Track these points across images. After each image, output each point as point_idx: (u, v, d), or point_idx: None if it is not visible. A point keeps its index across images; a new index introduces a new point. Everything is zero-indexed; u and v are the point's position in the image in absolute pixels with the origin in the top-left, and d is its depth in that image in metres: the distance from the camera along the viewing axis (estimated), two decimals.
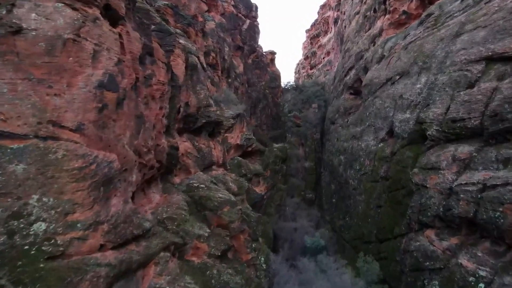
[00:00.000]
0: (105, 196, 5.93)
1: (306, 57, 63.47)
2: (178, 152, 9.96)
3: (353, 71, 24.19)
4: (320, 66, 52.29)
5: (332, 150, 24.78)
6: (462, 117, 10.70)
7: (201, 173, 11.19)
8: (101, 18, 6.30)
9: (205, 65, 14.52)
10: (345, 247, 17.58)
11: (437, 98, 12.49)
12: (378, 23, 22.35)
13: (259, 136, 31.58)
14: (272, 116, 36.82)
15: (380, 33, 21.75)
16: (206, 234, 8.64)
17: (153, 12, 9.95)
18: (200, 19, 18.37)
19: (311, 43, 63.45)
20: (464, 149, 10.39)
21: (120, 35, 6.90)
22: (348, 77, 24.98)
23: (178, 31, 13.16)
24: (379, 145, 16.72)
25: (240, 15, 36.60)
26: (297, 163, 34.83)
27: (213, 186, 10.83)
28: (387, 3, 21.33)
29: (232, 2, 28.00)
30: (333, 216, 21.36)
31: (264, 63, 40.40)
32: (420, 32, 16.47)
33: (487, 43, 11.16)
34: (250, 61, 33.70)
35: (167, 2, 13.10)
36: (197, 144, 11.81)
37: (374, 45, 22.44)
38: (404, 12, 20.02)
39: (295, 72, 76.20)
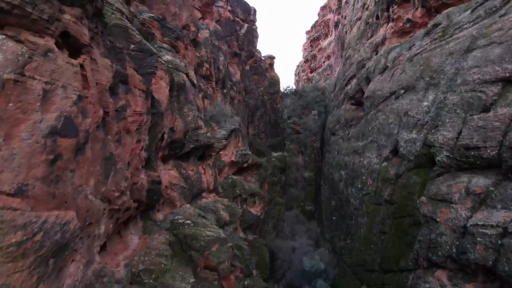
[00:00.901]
0: (56, 268, 4.90)
1: (306, 60, 62.39)
2: (160, 186, 8.92)
3: (355, 81, 23.13)
4: (320, 70, 51.24)
5: (332, 163, 23.72)
6: (477, 145, 9.64)
7: (188, 205, 10.15)
8: (56, 50, 5.25)
9: (195, 81, 13.48)
10: (346, 272, 16.53)
11: (447, 120, 11.43)
12: (381, 31, 21.28)
13: (257, 145, 30.57)
14: (270, 124, 35.75)
15: (383, 42, 20.69)
16: (189, 287, 7.58)
17: (132, 29, 8.91)
18: (193, 28, 17.31)
19: (311, 46, 62.37)
20: (479, 182, 9.33)
21: (82, 66, 5.86)
22: (349, 87, 23.93)
23: (165, 45, 12.13)
24: (383, 164, 15.66)
25: (237, 19, 35.53)
26: (296, 173, 33.78)
27: (201, 221, 9.79)
28: (390, 10, 20.26)
29: (229, 7, 26.96)
30: (333, 235, 20.31)
31: (262, 68, 39.31)
32: (427, 43, 15.41)
33: (503, 62, 10.10)
34: (248, 67, 32.65)
35: (153, 15, 12.05)
36: (184, 171, 10.77)
37: (376, 54, 21.38)
38: (409, 20, 18.96)
39: (295, 74, 75.17)
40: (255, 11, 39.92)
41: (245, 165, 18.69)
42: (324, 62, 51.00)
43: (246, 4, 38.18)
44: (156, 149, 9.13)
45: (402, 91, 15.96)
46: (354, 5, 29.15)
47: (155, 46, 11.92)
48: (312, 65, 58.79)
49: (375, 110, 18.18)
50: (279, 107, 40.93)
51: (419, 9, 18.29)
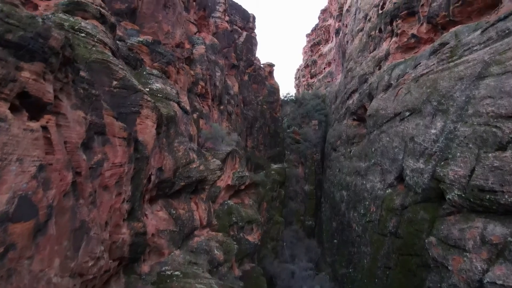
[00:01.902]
0: None
1: (306, 65, 61.58)
2: (145, 237, 8.10)
3: (357, 95, 22.32)
4: (320, 77, 50.44)
5: (333, 180, 22.90)
6: (493, 188, 8.82)
7: (178, 252, 9.33)
8: (10, 117, 4.43)
9: (188, 107, 12.67)
10: None
11: (458, 153, 10.61)
12: (384, 45, 20.47)
13: (256, 158, 29.76)
14: (270, 134, 34.95)
15: (386, 57, 19.87)
16: None
17: (115, 64, 8.09)
18: (187, 45, 16.51)
19: (312, 51, 61.57)
20: (496, 230, 8.51)
21: (46, 128, 5.04)
22: (351, 101, 23.11)
23: (155, 72, 11.31)
24: (387, 191, 14.85)
25: (236, 27, 34.80)
26: (296, 185, 32.98)
27: (191, 270, 8.97)
28: (394, 24, 19.45)
29: (227, 18, 26.16)
30: (334, 259, 19.48)
31: (261, 77, 38.55)
32: (434, 64, 14.59)
33: None
34: (246, 77, 31.86)
35: (141, 39, 11.24)
36: (174, 212, 9.95)
37: (379, 69, 20.57)
38: (413, 35, 18.14)
39: (295, 78, 74.36)
40: (254, 18, 39.17)
41: (242, 187, 17.88)
42: (324, 68, 50.19)
43: (245, 12, 37.44)
44: (142, 195, 8.31)
45: (407, 113, 15.15)
46: (355, 14, 28.34)
47: (144, 73, 11.13)
48: (312, 70, 57.97)
49: (378, 130, 17.37)
50: (279, 116, 40.13)
51: (425, 24, 17.46)
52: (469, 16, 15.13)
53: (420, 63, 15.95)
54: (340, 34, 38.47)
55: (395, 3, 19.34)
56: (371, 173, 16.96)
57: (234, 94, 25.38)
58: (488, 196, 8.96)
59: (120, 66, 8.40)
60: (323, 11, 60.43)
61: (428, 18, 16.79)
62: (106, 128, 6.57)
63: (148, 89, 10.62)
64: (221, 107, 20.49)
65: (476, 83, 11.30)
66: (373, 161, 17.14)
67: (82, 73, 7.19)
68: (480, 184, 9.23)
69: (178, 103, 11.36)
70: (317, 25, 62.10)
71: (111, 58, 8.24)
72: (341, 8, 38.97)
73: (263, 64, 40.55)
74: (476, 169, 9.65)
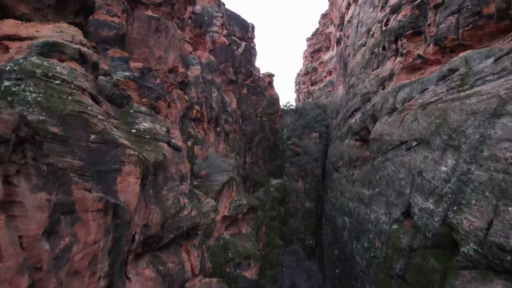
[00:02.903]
0: None
1: (306, 72, 60.73)
2: None
3: (359, 115, 21.44)
4: (321, 85, 49.62)
5: (334, 203, 22.01)
6: None
7: None
8: None
9: (180, 143, 11.80)
10: None
11: (473, 201, 9.73)
12: (388, 64, 19.60)
13: (255, 175, 28.89)
14: (269, 148, 34.11)
15: (390, 77, 19.00)
16: None
17: (93, 116, 7.22)
18: (181, 69, 15.64)
19: (312, 57, 60.75)
20: None
21: None
22: (353, 120, 22.24)
23: (143, 108, 10.44)
24: (393, 226, 13.97)
25: (235, 38, 34.06)
26: (296, 201, 32.09)
27: None
28: (398, 43, 18.58)
29: (225, 31, 25.30)
30: None
31: (261, 88, 37.77)
32: (443, 92, 13.70)
33: None
34: (245, 90, 31.03)
35: (128, 74, 10.35)
36: (162, 268, 9.06)
37: (383, 89, 19.71)
38: (420, 56, 17.27)
39: (295, 83, 73.58)
40: (253, 27, 38.42)
41: (240, 216, 16.99)
42: (325, 77, 49.36)
43: (244, 22, 36.68)
44: (123, 261, 7.43)
45: (414, 143, 14.27)
46: (357, 27, 27.48)
47: (131, 111, 10.26)
48: (312, 78, 57.14)
49: (383, 157, 16.48)
50: (278, 127, 39.33)
51: (431, 45, 16.59)
52: (479, 40, 14.25)
53: (427, 89, 15.06)
54: (341, 44, 37.63)
55: (399, 21, 18.48)
56: (375, 203, 16.07)
57: (232, 111, 24.54)
58: (509, 257, 8.07)
59: (99, 116, 7.52)
60: (324, 16, 59.61)
61: (435, 40, 15.92)
62: (76, 205, 5.69)
63: (134, 130, 9.77)
64: (218, 128, 19.63)
65: (492, 121, 10.41)
66: (377, 189, 16.26)
67: (54, 130, 6.34)
68: (500, 243, 8.34)
69: (168, 143, 10.49)
70: (317, 29, 61.28)
71: (89, 108, 7.36)
72: (342, 17, 38.13)
73: (262, 74, 39.77)
74: (494, 222, 8.76)
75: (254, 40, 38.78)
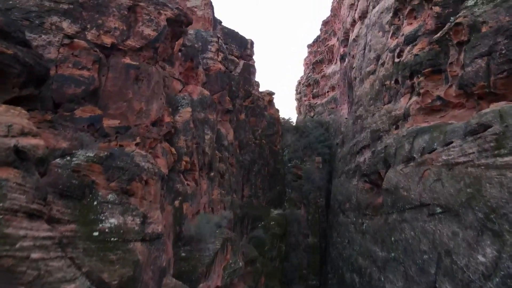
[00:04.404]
0: None
1: (308, 84, 58.63)
2: None
3: (369, 154, 19.39)
4: (324, 101, 47.61)
5: (341, 252, 19.94)
6: None
7: None
8: None
9: (160, 228, 9.70)
10: None
11: None
12: (402, 102, 17.53)
13: (254, 210, 26.81)
14: (269, 174, 32.07)
15: (405, 117, 16.92)
16: None
17: (21, 258, 5.15)
18: (167, 118, 13.55)
19: (313, 68, 58.67)
20: None
21: None
22: (361, 158, 20.18)
23: (111, 197, 8.38)
24: None
25: (232, 57, 32.09)
26: (298, 233, 29.91)
27: None
28: (414, 80, 16.50)
29: (221, 56, 23.26)
30: None
31: (260, 108, 35.77)
32: (473, 153, 11.57)
33: None
34: (243, 116, 28.96)
35: (92, 155, 8.25)
36: None
37: (396, 129, 17.62)
38: (439, 98, 15.17)
39: (296, 92, 71.47)
40: (252, 44, 36.44)
41: (236, 280, 14.92)
42: (328, 92, 47.32)
43: (243, 39, 34.68)
44: None
45: (438, 210, 12.20)
46: (364, 49, 25.46)
47: (95, 203, 8.19)
48: (314, 90, 55.03)
49: (399, 215, 14.41)
50: (279, 149, 37.31)
51: (454, 87, 14.51)
52: None
53: (452, 143, 12.94)
54: (346, 62, 35.61)
55: (416, 55, 16.40)
56: (390, 271, 14.00)
57: (228, 144, 22.52)
58: None
59: (33, 255, 5.45)
60: (325, 23, 57.61)
61: (460, 84, 13.83)
62: None
63: (97, 233, 7.69)
64: (211, 174, 17.57)
65: None
66: (393, 254, 14.18)
67: None
68: None
69: (143, 238, 8.43)
70: (318, 36, 59.30)
71: (17, 245, 5.30)
72: (346, 33, 36.10)
73: (262, 93, 37.75)
74: None
75: (253, 57, 36.84)
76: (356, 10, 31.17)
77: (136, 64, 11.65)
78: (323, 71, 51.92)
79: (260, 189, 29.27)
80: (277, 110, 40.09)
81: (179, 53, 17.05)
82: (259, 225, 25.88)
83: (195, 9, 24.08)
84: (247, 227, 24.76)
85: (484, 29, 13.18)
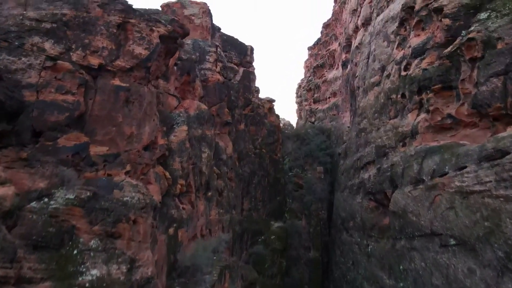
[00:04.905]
0: None
1: (309, 89, 57.77)
2: None
3: (374, 170, 18.52)
4: (325, 107, 46.74)
5: (345, 274, 19.10)
6: None
7: None
8: None
9: (150, 271, 8.84)
10: None
11: None
12: (410, 118, 16.66)
13: (253, 224, 25.93)
14: (269, 184, 31.18)
15: (413, 134, 16.05)
16: None
17: None
18: (161, 141, 12.69)
19: (314, 72, 57.80)
20: None
21: None
22: (366, 175, 19.31)
23: (93, 244, 7.51)
24: None
25: (232, 64, 31.25)
26: (299, 246, 29.04)
27: None
28: (423, 96, 15.64)
29: (219, 66, 22.40)
30: None
31: (260, 116, 34.88)
32: (491, 181, 10.70)
33: None
34: (242, 126, 28.10)
35: (72, 197, 7.38)
36: None
37: (403, 146, 16.74)
38: (450, 116, 14.32)
39: (297, 95, 70.66)
40: (252, 50, 35.60)
41: None
42: (329, 98, 46.45)
43: (242, 45, 33.81)
44: None
45: (452, 242, 11.34)
46: (368, 58, 24.58)
47: (75, 252, 7.33)
48: (315, 95, 54.17)
49: (407, 242, 13.55)
50: (279, 157, 36.45)
51: (466, 105, 13.64)
52: None
53: (466, 167, 12.06)
54: (348, 69, 34.77)
55: (424, 70, 15.53)
56: None
57: (227, 158, 21.69)
58: None
59: None
60: (326, 26, 56.70)
61: (474, 103, 12.98)
62: None
63: None
64: (209, 193, 16.71)
65: None
66: (401, 284, 13.32)
67: None
68: None
69: None
70: (319, 39, 58.44)
71: None
72: (349, 39, 35.23)
73: (262, 100, 36.88)
74: None
75: (253, 64, 36.01)
76: (359, 16, 30.33)
77: (126, 85, 10.79)
78: (324, 76, 51.06)
79: (260, 201, 28.41)
80: (278, 117, 39.23)
81: (175, 67, 16.21)
82: (259, 239, 25.02)
83: (193, 18, 23.20)
84: (247, 243, 23.91)
85: (499, 46, 12.35)
